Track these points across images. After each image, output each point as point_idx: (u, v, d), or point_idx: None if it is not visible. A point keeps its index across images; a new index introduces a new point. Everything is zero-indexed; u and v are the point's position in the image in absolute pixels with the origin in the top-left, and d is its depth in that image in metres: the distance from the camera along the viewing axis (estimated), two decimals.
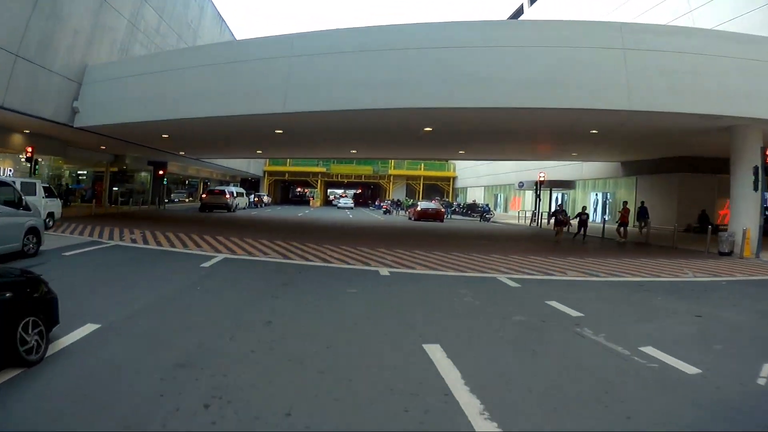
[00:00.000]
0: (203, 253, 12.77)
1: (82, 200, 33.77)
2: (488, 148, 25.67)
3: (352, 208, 60.50)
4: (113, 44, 22.33)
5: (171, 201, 45.63)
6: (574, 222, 21.25)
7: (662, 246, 19.24)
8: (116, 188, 36.18)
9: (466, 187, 59.66)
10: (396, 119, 16.62)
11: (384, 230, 24.46)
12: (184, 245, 14.11)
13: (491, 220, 36.02)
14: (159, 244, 14.29)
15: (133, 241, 14.76)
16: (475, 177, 55.24)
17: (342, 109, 14.80)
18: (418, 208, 34.23)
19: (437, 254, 14.22)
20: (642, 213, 23.88)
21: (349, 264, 11.79)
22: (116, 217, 24.66)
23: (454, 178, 64.13)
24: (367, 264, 11.89)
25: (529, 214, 35.36)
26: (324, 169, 63.72)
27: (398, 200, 54.26)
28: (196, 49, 18.00)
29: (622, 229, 21.04)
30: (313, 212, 44.38)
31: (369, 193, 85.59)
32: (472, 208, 42.32)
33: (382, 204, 57.85)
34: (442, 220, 33.60)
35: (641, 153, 26.65)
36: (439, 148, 26.03)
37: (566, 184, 34.31)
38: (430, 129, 18.64)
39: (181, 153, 33.06)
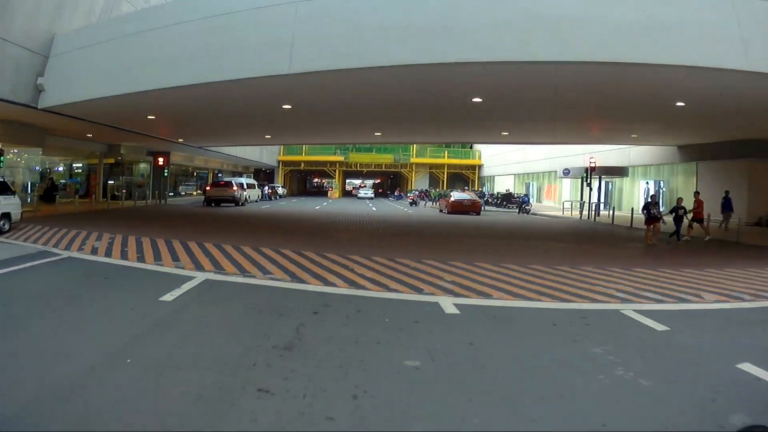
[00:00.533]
0: (178, 272, 8.90)
1: (77, 195, 30.27)
2: (539, 128, 21.35)
3: (372, 198, 59.02)
4: (91, 10, 18.49)
5: (178, 194, 42.12)
6: (668, 219, 16.87)
7: (756, 246, 15.03)
8: (112, 182, 32.56)
9: (493, 176, 55.34)
10: (437, 84, 12.53)
11: (419, 227, 20.36)
12: (158, 258, 10.26)
13: (531, 212, 31.79)
14: (125, 255, 10.47)
15: (95, 251, 11.00)
16: (504, 164, 50.88)
17: (365, 67, 10.72)
18: (452, 200, 30.07)
19: (509, 267, 10.19)
20: (726, 205, 19.84)
21: (390, 290, 7.83)
22: (101, 215, 20.99)
23: (480, 167, 59.66)
24: (418, 289, 7.92)
25: (575, 205, 31.27)
26: (342, 158, 59.62)
27: (426, 190, 50.16)
28: (177, 2, 13.95)
29: (695, 224, 16.88)
30: (332, 204, 40.41)
31: (389, 183, 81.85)
32: (507, 199, 38.07)
33: (403, 194, 53.89)
34: (478, 213, 29.48)
35: (703, 135, 22.49)
36: (481, 128, 21.75)
37: (618, 171, 29.97)
38: (480, 100, 14.54)
39: (179, 140, 29.21)
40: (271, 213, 26.99)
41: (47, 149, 25.28)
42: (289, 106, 15.77)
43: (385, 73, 11.16)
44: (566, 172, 31.01)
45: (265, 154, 52.66)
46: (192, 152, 36.23)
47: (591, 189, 28.00)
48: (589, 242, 16.17)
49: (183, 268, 9.20)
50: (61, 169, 34.65)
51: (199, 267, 9.31)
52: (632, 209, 24.87)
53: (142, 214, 23.20)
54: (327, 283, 8.18)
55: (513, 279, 8.92)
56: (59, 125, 21.39)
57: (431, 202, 43.70)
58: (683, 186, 27.77)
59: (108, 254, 10.60)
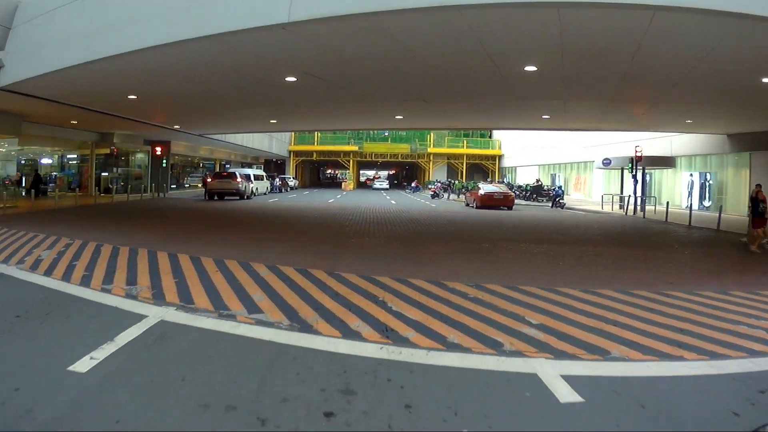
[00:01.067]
0: (126, 304, 6.02)
1: (70, 189, 27.72)
2: (589, 110, 18.13)
3: (387, 189, 57.18)
4: None
5: (181, 187, 39.49)
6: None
7: None
8: (106, 174, 29.85)
9: (515, 167, 51.73)
10: (485, 40, 9.44)
11: (453, 227, 17.02)
12: (109, 278, 7.37)
13: (565, 206, 28.64)
14: (69, 273, 7.62)
15: (37, 264, 8.22)
16: (527, 155, 47.38)
17: (391, 9, 7.66)
18: (482, 192, 26.79)
19: (602, 293, 7.16)
20: None
21: (449, 344, 4.85)
22: (81, 212, 18.26)
23: (500, 157, 56.12)
24: (493, 342, 4.94)
25: (613, 199, 28.31)
26: (356, 148, 56.59)
27: (450, 181, 47.03)
28: None
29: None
30: (347, 197, 37.47)
31: (404, 174, 79.02)
32: (537, 191, 34.79)
33: (420, 186, 50.81)
34: (511, 207, 26.24)
35: (755, 122, 19.33)
36: (521, 110, 18.57)
37: (665, 162, 26.74)
38: (534, 69, 11.48)
39: (175, 127, 26.28)
40: (279, 208, 24.10)
41: (27, 138, 22.59)
42: (293, 78, 12.75)
43: (416, 20, 8.10)
44: (606, 163, 27.73)
45: (275, 144, 49.76)
46: (195, 141, 33.40)
47: (637, 181, 24.83)
48: (664, 248, 13.00)
49: (135, 298, 6.31)
50: (47, 161, 31.96)
51: (159, 296, 6.40)
52: (667, 203, 22.50)
53: (130, 210, 20.44)
54: (347, 331, 5.22)
55: (619, 315, 5.94)
56: (37, 110, 18.74)
57: (455, 195, 40.59)
58: (733, 179, 24.72)
59: (50, 271, 7.77)
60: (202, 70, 12.05)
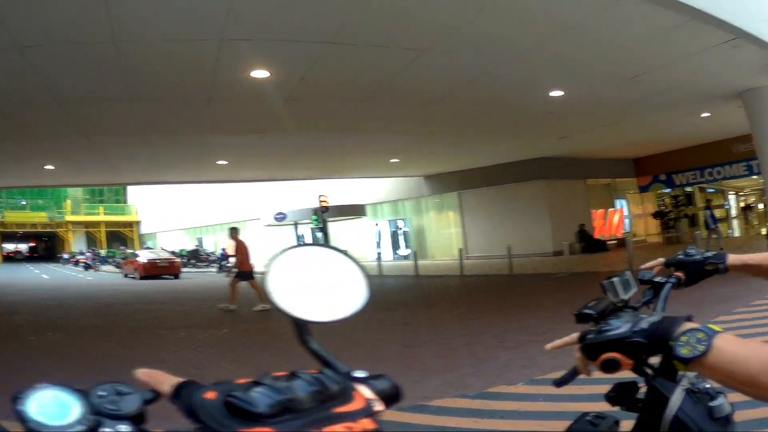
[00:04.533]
0: None
1: None
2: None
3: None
4: None
5: None
6: None
7: None
8: None
9: (155, 233, 48.55)
10: None
11: (149, 307, 14.02)
12: None
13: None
14: None
15: None
16: (167, 218, 44.69)
17: None
18: (144, 261, 25.13)
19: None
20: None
21: None
22: None
23: (138, 223, 53.50)
24: None
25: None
26: None
27: (95, 250, 41.74)
28: None
29: None
30: None
31: (44, 246, 69.44)
32: (195, 256, 33.52)
33: (73, 257, 44.31)
34: (177, 275, 25.39)
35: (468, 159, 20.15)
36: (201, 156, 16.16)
37: (355, 210, 27.15)
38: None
39: None
40: None
41: None
42: None
43: None
44: (280, 217, 27.09)
45: None
46: None
47: (325, 234, 23.88)
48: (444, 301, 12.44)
49: None
50: None
51: None
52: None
53: None
54: None
55: None
56: None
57: (110, 266, 36.16)
58: (436, 222, 25.34)
59: None
60: None
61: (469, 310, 7.58)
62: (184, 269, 28.32)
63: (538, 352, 5.28)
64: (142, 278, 24.27)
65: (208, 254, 33.80)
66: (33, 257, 60.72)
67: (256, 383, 0.50)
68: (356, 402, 0.50)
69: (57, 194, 51.76)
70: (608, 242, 21.62)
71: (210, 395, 0.51)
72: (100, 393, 0.52)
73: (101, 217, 53.26)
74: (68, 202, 52.38)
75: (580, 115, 13.24)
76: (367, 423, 0.50)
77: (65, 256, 45.68)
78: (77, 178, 22.88)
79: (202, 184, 28.31)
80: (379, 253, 24.59)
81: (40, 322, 11.33)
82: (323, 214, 23.07)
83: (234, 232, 12.33)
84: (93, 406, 0.51)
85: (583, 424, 1.03)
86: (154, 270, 24.36)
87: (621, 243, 19.42)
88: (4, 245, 58.80)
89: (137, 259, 25.88)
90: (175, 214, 42.33)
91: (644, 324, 0.91)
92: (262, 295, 10.24)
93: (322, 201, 22.45)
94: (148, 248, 35.05)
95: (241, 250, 11.85)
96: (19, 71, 7.85)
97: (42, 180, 21.71)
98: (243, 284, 11.46)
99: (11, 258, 58.95)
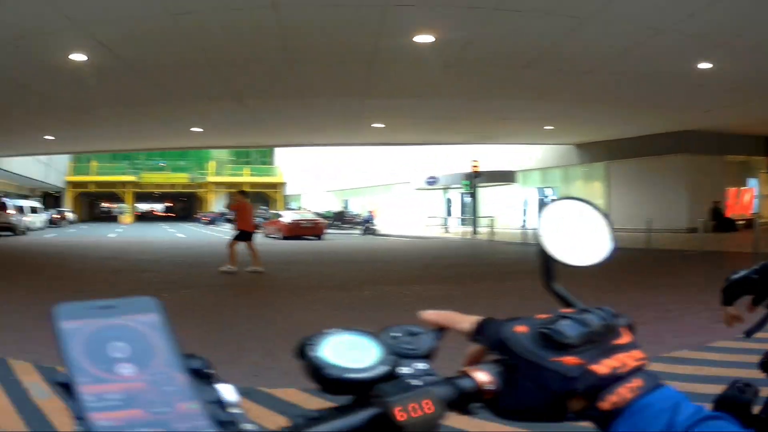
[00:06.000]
0: None
1: None
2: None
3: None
4: None
5: None
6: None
7: None
8: None
9: (300, 194, 50.36)
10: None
11: (295, 267, 13.06)
12: None
13: (377, 232, 27.98)
14: None
15: None
16: (313, 179, 46.10)
17: None
18: (287, 221, 25.20)
19: None
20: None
21: None
22: None
23: (283, 184, 54.99)
24: None
25: (446, 221, 27.86)
26: (134, 178, 52.04)
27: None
28: None
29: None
30: (128, 231, 34.02)
31: (183, 206, 74.46)
32: (340, 218, 33.93)
33: (204, 217, 48.12)
34: (320, 237, 25.09)
35: (614, 129, 19.96)
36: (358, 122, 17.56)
37: (507, 177, 26.23)
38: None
39: None
40: (54, 246, 20.68)
41: None
42: (83, 57, 9.54)
43: None
44: (431, 181, 26.63)
45: (53, 174, 44.24)
46: None
47: (475, 200, 23.29)
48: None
49: None
50: None
51: None
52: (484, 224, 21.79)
53: None
54: None
55: None
56: None
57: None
58: (583, 192, 23.57)
59: None
60: None
61: (608, 283, 8.05)
62: (329, 231, 28.13)
63: (665, 330, 5.49)
64: (284, 238, 24.05)
65: (353, 216, 33.89)
66: (168, 217, 64.22)
67: (562, 316, 0.53)
68: (625, 336, 0.54)
69: (199, 156, 53.09)
70: (737, 222, 20.84)
71: (521, 329, 0.53)
72: (393, 334, 0.54)
73: (245, 178, 52.89)
74: (212, 162, 53.87)
75: (727, 90, 12.95)
76: (639, 354, 0.53)
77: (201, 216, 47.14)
78: (222, 140, 25.32)
79: (353, 146, 29.49)
80: (524, 221, 24.21)
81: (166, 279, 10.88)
82: (475, 179, 22.80)
83: (239, 195, 12.11)
84: (389, 346, 0.51)
85: (733, 390, 0.99)
86: (298, 230, 24.22)
87: (749, 224, 18.78)
88: (138, 205, 63.64)
89: (280, 219, 25.85)
90: (321, 176, 43.51)
91: None
92: (257, 257, 11.09)
93: (474, 166, 22.31)
94: (292, 209, 35.47)
95: (244, 212, 11.67)
96: (172, 38, 8.63)
97: (189, 142, 24.40)
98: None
99: (141, 217, 62.41)
